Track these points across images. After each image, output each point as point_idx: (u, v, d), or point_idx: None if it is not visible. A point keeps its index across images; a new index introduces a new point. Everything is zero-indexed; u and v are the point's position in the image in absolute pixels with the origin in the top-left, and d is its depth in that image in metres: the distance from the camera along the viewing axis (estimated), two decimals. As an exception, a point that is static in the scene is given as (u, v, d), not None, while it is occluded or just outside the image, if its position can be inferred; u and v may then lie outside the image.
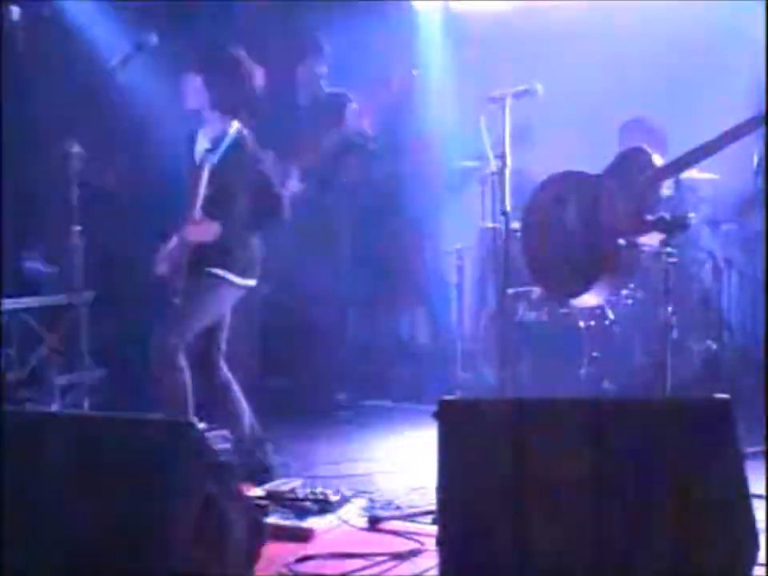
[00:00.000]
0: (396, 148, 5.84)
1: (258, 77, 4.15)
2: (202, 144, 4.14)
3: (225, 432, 4.26)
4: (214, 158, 4.02)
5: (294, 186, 5.50)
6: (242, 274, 4.12)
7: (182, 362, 3.98)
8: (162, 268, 4.13)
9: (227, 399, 4.16)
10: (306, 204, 5.52)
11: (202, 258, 4.04)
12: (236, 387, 4.18)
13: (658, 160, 5.07)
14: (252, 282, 4.19)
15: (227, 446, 4.22)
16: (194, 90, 4.11)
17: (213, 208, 4.03)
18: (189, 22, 6.01)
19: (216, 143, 4.07)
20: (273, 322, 5.99)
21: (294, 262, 5.70)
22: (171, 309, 4.01)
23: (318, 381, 5.84)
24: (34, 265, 5.88)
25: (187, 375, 4.00)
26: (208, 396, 4.17)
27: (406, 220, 6.19)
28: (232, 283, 4.09)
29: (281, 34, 6.34)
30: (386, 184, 6.12)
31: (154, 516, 2.57)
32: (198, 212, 4.02)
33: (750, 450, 3.74)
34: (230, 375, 4.20)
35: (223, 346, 4.21)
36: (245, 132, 4.14)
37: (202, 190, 4.00)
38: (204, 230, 4.02)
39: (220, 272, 4.06)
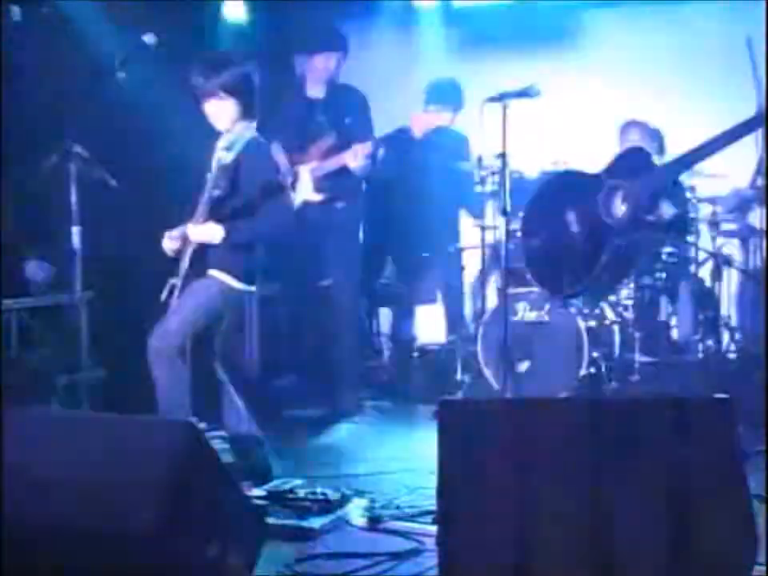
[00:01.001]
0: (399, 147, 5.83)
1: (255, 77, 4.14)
2: (224, 150, 4.12)
3: (223, 432, 4.26)
4: (225, 160, 4.02)
5: (309, 195, 5.53)
6: (243, 279, 4.09)
7: (179, 362, 3.98)
8: (172, 243, 4.12)
9: (223, 400, 4.16)
10: (316, 205, 5.53)
11: (203, 259, 4.04)
12: (231, 389, 4.17)
13: (657, 161, 5.08)
14: (252, 288, 4.18)
15: (226, 446, 4.21)
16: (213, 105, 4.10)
17: (221, 210, 4.02)
18: (190, 21, 6.01)
19: (232, 147, 4.06)
20: (277, 321, 5.98)
21: (298, 261, 5.69)
22: (169, 309, 4.00)
23: (320, 381, 5.84)
24: (34, 265, 5.87)
25: (184, 375, 4.00)
26: (204, 396, 4.16)
27: (407, 221, 6.18)
28: (231, 288, 4.07)
29: (290, 27, 6.35)
30: (391, 185, 6.12)
31: (155, 516, 2.57)
32: (202, 212, 4.02)
33: (750, 449, 3.75)
34: (225, 376, 4.19)
35: (218, 347, 4.20)
36: (261, 139, 4.14)
37: (209, 190, 4.01)
38: (208, 232, 4.02)
39: (220, 275, 4.05)
